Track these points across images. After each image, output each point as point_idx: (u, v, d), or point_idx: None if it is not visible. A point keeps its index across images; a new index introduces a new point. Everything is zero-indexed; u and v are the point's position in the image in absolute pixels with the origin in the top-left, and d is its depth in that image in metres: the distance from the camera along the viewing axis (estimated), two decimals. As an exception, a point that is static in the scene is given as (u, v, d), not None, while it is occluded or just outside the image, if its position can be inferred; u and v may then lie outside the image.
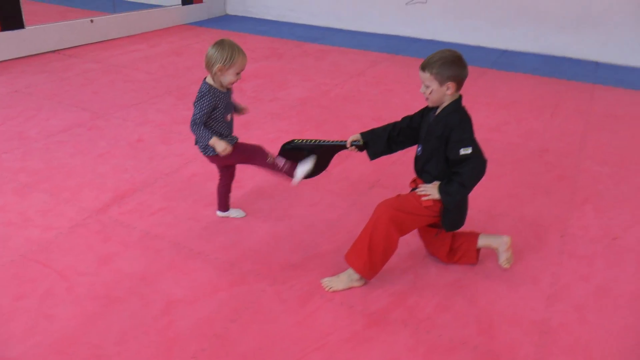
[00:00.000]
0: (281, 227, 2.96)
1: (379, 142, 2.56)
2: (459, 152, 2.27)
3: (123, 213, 3.02)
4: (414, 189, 2.51)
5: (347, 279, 2.49)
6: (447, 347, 2.20)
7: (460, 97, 2.36)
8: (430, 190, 2.37)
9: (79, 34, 6.51)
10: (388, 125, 2.58)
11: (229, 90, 2.62)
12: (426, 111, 2.49)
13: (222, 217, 3.00)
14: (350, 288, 2.48)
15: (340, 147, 2.61)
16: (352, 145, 2.58)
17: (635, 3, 6.35)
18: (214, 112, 2.56)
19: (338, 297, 2.43)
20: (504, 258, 2.59)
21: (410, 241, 2.85)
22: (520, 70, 6.24)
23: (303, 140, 2.56)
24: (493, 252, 2.67)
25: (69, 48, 6.37)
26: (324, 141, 2.59)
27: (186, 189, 3.29)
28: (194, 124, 2.52)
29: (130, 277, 2.50)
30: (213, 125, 2.60)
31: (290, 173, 2.72)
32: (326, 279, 2.52)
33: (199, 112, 2.50)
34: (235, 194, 3.21)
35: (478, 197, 3.02)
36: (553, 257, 2.83)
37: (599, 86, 5.83)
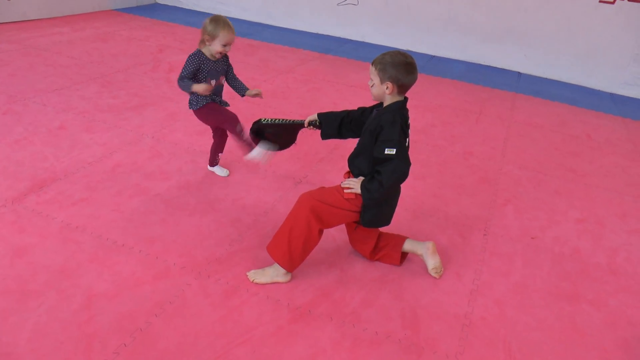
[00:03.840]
0: (207, 220, 2.90)
1: (332, 125, 2.64)
2: (383, 151, 2.29)
3: (41, 203, 2.85)
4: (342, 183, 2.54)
5: (272, 273, 2.47)
6: (372, 341, 2.23)
7: (403, 101, 2.38)
8: (354, 185, 2.41)
9: (-5, 12, 6.11)
10: (344, 111, 2.65)
11: (219, 61, 2.97)
12: (376, 107, 2.51)
13: (210, 171, 3.37)
14: (274, 283, 2.46)
15: (299, 126, 2.70)
16: (309, 125, 2.68)
17: (555, 21, 6.71)
18: (198, 75, 2.90)
19: (263, 292, 2.41)
20: (431, 265, 2.66)
21: (337, 237, 2.88)
22: (448, 76, 6.45)
23: (268, 119, 2.72)
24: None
25: (-17, 27, 5.97)
26: (285, 120, 2.73)
27: (110, 180, 3.16)
28: (179, 79, 2.88)
29: (48, 269, 2.36)
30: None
31: (249, 147, 2.97)
32: (252, 272, 2.50)
33: (183, 69, 2.86)
34: (160, 186, 3.12)
35: (404, 197, 3.08)
36: (476, 255, 2.93)
37: (521, 95, 6.12)
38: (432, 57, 7.44)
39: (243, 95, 3.18)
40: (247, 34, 7.27)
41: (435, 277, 2.68)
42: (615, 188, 4.03)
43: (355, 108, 2.66)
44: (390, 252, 2.70)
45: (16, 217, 2.71)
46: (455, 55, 7.41)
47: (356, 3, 7.69)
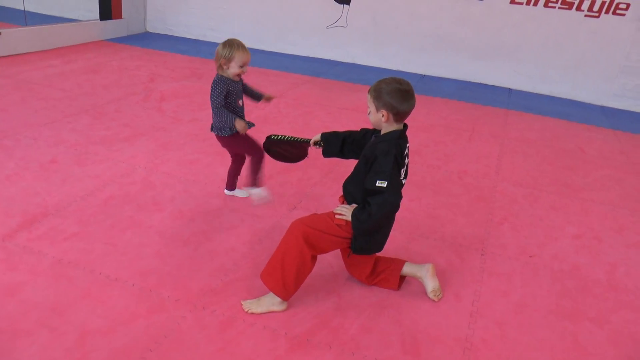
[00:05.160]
0: (202, 251, 2.86)
1: (335, 144, 2.65)
2: (375, 183, 2.27)
3: (32, 239, 2.81)
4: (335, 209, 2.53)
5: (267, 302, 2.43)
6: (373, 369, 2.19)
7: (401, 130, 2.37)
8: (345, 212, 2.38)
9: (-15, 47, 6.13)
10: (347, 131, 2.66)
11: (239, 82, 3.05)
12: (374, 133, 2.50)
13: (229, 195, 3.44)
14: (270, 312, 2.42)
15: (306, 143, 2.74)
16: (315, 144, 2.72)
17: (543, 36, 6.78)
18: (228, 98, 2.98)
19: (260, 322, 2.37)
20: (430, 288, 2.63)
21: (333, 262, 2.84)
22: (439, 95, 6.48)
23: (277, 136, 2.77)
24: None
25: (-26, 63, 5.98)
26: (293, 138, 2.77)
27: (102, 213, 3.12)
28: (216, 109, 2.95)
29: (39, 307, 2.32)
30: (229, 110, 3.00)
31: (257, 183, 3.25)
32: (247, 302, 2.46)
33: (216, 97, 2.93)
34: (154, 217, 3.10)
35: (399, 219, 3.05)
36: (474, 275, 2.90)
37: (512, 112, 6.15)
38: (423, 76, 7.49)
39: (259, 101, 3.29)
40: (238, 60, 7.30)
41: (434, 300, 2.65)
42: (610, 202, 4.02)
43: (348, 131, 2.65)
44: (389, 277, 2.67)
45: (6, 254, 2.67)
46: (446, 73, 7.46)
47: (345, 25, 7.76)
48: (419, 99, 6.44)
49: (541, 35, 6.80)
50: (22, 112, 4.60)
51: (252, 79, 6.30)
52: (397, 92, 2.28)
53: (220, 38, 8.57)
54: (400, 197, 2.31)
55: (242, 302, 2.46)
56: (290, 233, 2.40)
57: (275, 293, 2.40)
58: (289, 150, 2.82)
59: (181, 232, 3.01)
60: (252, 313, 2.40)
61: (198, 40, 8.46)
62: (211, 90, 2.97)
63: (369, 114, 2.39)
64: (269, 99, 3.31)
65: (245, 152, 3.25)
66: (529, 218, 3.62)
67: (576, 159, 4.83)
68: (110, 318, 2.29)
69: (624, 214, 3.86)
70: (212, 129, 3.15)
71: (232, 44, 2.91)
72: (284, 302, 2.44)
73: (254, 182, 3.26)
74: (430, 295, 2.65)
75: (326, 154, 2.71)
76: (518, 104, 6.48)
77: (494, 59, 7.12)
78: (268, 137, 2.82)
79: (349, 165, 4.16)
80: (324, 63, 7.74)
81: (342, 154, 2.67)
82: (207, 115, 4.92)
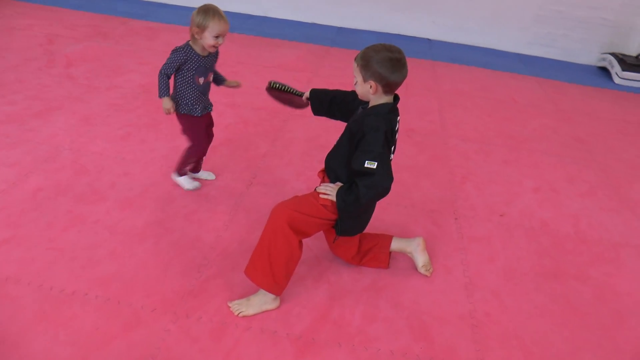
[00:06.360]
0: (164, 245, 2.50)
1: (323, 102, 2.43)
2: (363, 164, 2.00)
3: (-51, 250, 2.30)
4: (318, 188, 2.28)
5: (258, 301, 2.17)
6: (390, 363, 2.01)
7: (392, 103, 2.10)
8: (330, 192, 2.14)
9: None
10: (337, 90, 2.42)
11: (209, 55, 2.65)
12: (362, 104, 2.22)
13: (194, 178, 3.05)
14: (264, 312, 2.16)
15: (299, 97, 2.52)
16: (306, 99, 2.49)
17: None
18: (183, 71, 2.60)
19: (255, 324, 2.11)
20: (421, 263, 2.49)
21: (313, 245, 2.61)
22: (360, 48, 6.17)
23: (277, 84, 2.55)
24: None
25: None
26: (291, 89, 2.55)
27: (33, 210, 2.62)
28: (160, 74, 2.58)
29: (-19, 340, 1.88)
30: (181, 87, 2.64)
31: (181, 171, 2.93)
32: (235, 303, 2.17)
33: (166, 65, 2.57)
34: (97, 209, 2.67)
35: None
36: (455, 243, 2.80)
37: (438, 62, 6.09)
38: (340, 28, 7.22)
39: (219, 85, 2.88)
40: (142, 15, 6.56)
41: (426, 275, 2.51)
42: (554, 152, 4.09)
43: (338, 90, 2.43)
44: (377, 255, 2.48)
45: None
46: (364, 25, 7.23)
47: (255, -25, 7.24)
48: (339, 52, 6.12)
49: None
50: None
51: (165, 37, 5.74)
52: (388, 61, 1.99)
53: (117, -10, 7.60)
54: (391, 179, 2.05)
55: (230, 304, 2.17)
56: (273, 220, 2.12)
57: (266, 289, 2.13)
58: (289, 99, 2.57)
59: (134, 225, 2.61)
60: (244, 316, 2.12)
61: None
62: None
63: (355, 84, 2.11)
64: (234, 86, 2.93)
65: (196, 141, 2.82)
66: (486, 175, 3.58)
67: (511, 109, 4.87)
68: (79, 344, 1.91)
69: (569, 162, 3.93)
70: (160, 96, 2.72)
71: (207, 11, 2.51)
72: (276, 298, 2.18)
73: (181, 169, 2.92)
74: (422, 271, 2.50)
75: (315, 111, 2.47)
76: (441, 55, 6.43)
77: (412, 10, 6.99)
78: (269, 83, 2.56)
79: (295, 131, 3.86)
80: (235, 17, 7.17)
81: (331, 114, 2.43)
82: (126, 81, 4.36)
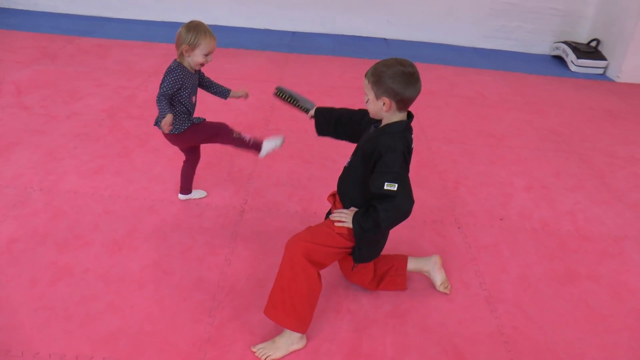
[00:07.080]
0: (166, 290, 2.29)
1: (329, 122, 2.31)
2: (382, 186, 1.88)
3: None
4: (328, 214, 2.14)
5: (285, 342, 2.02)
6: (434, 397, 1.89)
7: (407, 120, 1.98)
8: (345, 218, 2.01)
9: None
10: (344, 109, 2.31)
11: (196, 72, 2.61)
12: (374, 123, 2.09)
13: (184, 199, 2.97)
14: (291, 352, 2.01)
15: (307, 111, 2.40)
16: (311, 117, 2.38)
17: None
18: (181, 92, 2.51)
19: (284, 369, 1.95)
20: (439, 281, 2.40)
21: (324, 273, 2.43)
22: (317, 52, 6.07)
23: (284, 93, 2.43)
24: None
25: None
26: (296, 102, 2.43)
27: (12, 264, 2.34)
28: (158, 99, 2.44)
29: None
30: (178, 107, 2.54)
31: (257, 147, 2.74)
32: (259, 347, 2.01)
33: (163, 86, 2.45)
34: (84, 257, 2.42)
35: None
36: (465, 253, 2.72)
37: (400, 62, 6.02)
38: (295, 33, 7.06)
39: (226, 98, 2.84)
40: (88, 31, 6.17)
41: (446, 293, 2.41)
42: (534, 146, 4.09)
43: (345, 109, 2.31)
44: (394, 278, 2.37)
45: None
46: (319, 29, 7.10)
47: (201, -17, 6.98)
48: (299, 58, 5.96)
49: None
50: None
51: (116, 55, 5.42)
52: (401, 75, 1.88)
53: (57, 7, 7.25)
54: (412, 201, 1.95)
55: (254, 349, 2.00)
56: (290, 255, 1.98)
57: (291, 329, 1.98)
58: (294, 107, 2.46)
59: (127, 271, 2.38)
60: (273, 360, 1.96)
61: (29, 11, 7.02)
62: (163, 77, 2.47)
63: (366, 102, 1.99)
64: (241, 96, 2.85)
65: (212, 140, 2.70)
66: (477, 177, 3.52)
67: (482, 106, 4.86)
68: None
69: (552, 156, 3.94)
70: (156, 124, 2.59)
71: (198, 29, 2.44)
72: (303, 336, 2.04)
73: (255, 146, 2.75)
74: (440, 289, 2.41)
75: (320, 131, 2.35)
76: (399, 54, 6.30)
77: (365, 11, 6.91)
78: (276, 89, 2.45)
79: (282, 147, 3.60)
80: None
81: (337, 134, 2.30)
82: (86, 106, 4.06)
